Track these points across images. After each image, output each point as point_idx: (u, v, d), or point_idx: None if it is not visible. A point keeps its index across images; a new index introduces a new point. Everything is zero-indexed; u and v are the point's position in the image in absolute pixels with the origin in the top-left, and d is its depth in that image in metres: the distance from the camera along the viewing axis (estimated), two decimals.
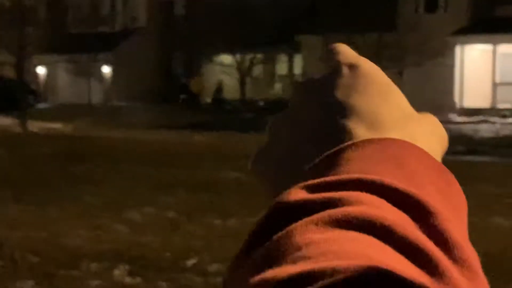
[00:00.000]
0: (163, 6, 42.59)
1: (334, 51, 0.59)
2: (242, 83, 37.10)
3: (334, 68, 0.58)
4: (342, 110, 0.54)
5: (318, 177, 0.47)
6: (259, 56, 37.69)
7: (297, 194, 0.46)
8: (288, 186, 0.47)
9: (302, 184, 0.46)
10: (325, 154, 0.50)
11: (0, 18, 32.77)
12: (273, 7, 37.00)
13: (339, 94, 0.55)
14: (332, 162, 0.49)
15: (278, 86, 38.90)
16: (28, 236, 8.09)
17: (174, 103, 37.29)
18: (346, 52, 0.59)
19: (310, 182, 0.46)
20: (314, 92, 0.57)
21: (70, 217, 9.22)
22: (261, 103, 35.29)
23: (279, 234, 0.43)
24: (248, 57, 37.47)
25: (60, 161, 15.23)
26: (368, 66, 0.58)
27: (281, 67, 39.10)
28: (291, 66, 38.38)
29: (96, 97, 41.24)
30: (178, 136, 23.27)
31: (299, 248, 0.41)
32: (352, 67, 0.57)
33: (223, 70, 37.76)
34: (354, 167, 0.48)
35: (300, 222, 0.43)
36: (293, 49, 36.63)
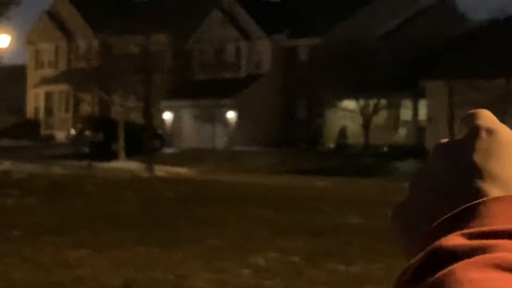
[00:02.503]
0: (286, 52, 42.95)
1: (475, 115, 0.61)
2: (365, 128, 36.93)
3: (472, 131, 0.60)
4: (478, 173, 0.56)
5: (459, 229, 0.50)
6: (383, 101, 37.46)
7: (454, 239, 0.49)
8: (426, 236, 0.51)
9: (458, 232, 0.50)
10: (465, 206, 0.52)
11: (128, 64, 33.76)
12: (394, 52, 36.80)
13: (476, 157, 0.57)
14: (474, 214, 0.52)
15: (402, 132, 38.51)
16: (155, 277, 8.22)
17: (295, 148, 37.39)
18: (486, 116, 0.61)
19: (466, 230, 0.50)
20: (451, 153, 0.59)
21: (194, 259, 9.32)
22: (385, 149, 35.00)
23: (442, 272, 0.47)
24: (372, 102, 37.30)
25: (184, 204, 15.47)
26: (506, 132, 0.60)
27: (405, 112, 38.71)
28: (415, 111, 37.96)
29: (220, 142, 41.82)
30: (300, 181, 23.30)
31: (461, 285, 0.45)
32: (490, 132, 0.59)
33: (346, 115, 37.70)
34: (500, 218, 0.51)
35: (461, 263, 0.47)
36: (416, 94, 36.26)
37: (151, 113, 34.77)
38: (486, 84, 27.36)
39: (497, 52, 28.63)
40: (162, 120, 45.64)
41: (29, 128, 46.08)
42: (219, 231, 11.73)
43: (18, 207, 14.58)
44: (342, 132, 38.66)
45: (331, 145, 38.42)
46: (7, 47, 38.62)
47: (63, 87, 46.88)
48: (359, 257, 9.43)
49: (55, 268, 8.82)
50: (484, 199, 0.53)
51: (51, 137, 44.91)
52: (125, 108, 35.19)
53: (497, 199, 0.53)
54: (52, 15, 50.07)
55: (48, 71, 49.28)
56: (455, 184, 0.57)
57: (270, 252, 9.82)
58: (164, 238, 10.94)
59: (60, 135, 43.51)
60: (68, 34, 49.13)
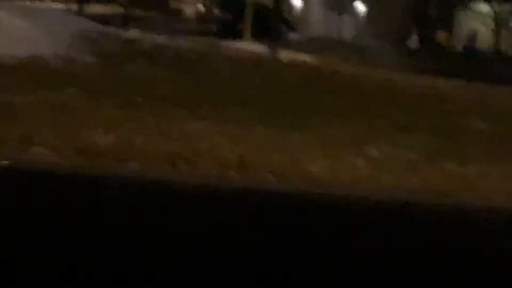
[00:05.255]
0: None
1: None
2: (497, 34, 35.77)
3: None
4: None
5: None
6: None
7: None
8: None
9: None
10: None
11: None
12: None
13: None
14: None
15: None
16: (270, 158, 8.32)
17: (423, 48, 36.61)
18: None
19: None
20: None
21: (312, 145, 9.38)
22: None
23: None
24: (507, 7, 35.98)
25: (306, 91, 15.48)
26: None
27: None
28: None
29: (346, 33, 41.32)
30: (425, 81, 22.94)
31: None
32: None
33: (478, 19, 36.55)
34: None
35: None
36: None
37: None
38: None
39: None
40: (291, 5, 45.32)
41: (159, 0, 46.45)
42: (339, 121, 11.72)
43: (144, 76, 14.86)
44: (473, 37, 37.57)
45: (458, 49, 37.46)
46: None
47: None
48: (477, 160, 9.30)
49: (174, 138, 9.02)
50: None
51: (179, 11, 45.24)
52: None
53: None
54: None
55: None
56: None
57: (387, 146, 9.78)
58: (284, 121, 11.02)
59: (189, 10, 43.78)
60: None
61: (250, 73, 17.37)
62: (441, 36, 35.57)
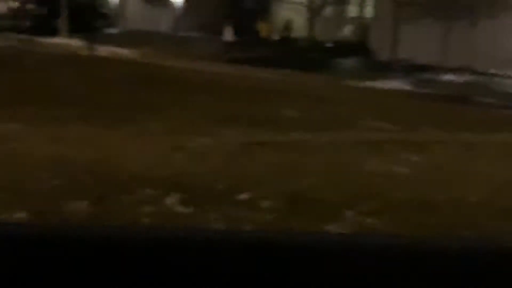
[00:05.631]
0: None
1: None
2: (310, 23, 36.73)
3: None
4: None
5: None
6: None
7: None
8: None
9: None
10: None
11: None
12: None
13: None
14: None
15: (347, 28, 38.46)
16: (88, 156, 8.23)
17: (240, 38, 37.10)
18: None
19: None
20: None
21: (130, 141, 9.35)
22: (329, 44, 34.94)
23: None
24: None
25: (125, 86, 15.39)
26: None
27: (352, 9, 38.58)
28: (362, 8, 37.86)
29: (166, 26, 41.29)
30: (243, 71, 23.29)
31: None
32: None
33: (292, 7, 37.39)
34: None
35: None
36: None
37: None
38: None
39: None
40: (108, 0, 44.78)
41: None
42: (158, 115, 11.73)
43: None
44: (288, 25, 38.41)
45: (276, 37, 38.21)
46: None
47: None
48: (292, 150, 9.56)
49: None
50: None
51: None
52: None
53: None
54: None
55: None
56: None
57: (205, 138, 9.88)
58: (102, 118, 10.93)
59: (1, 6, 42.41)
60: None
61: (67, 70, 17.06)
62: (262, 27, 35.99)
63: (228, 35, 30.99)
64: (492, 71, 27.90)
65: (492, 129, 13.23)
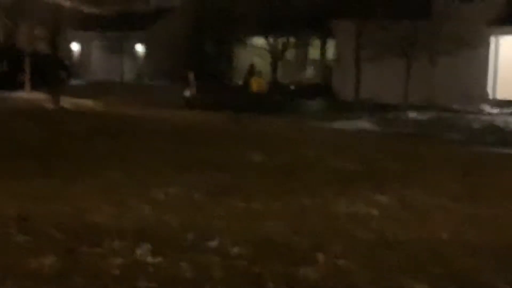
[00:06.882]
0: None
1: None
2: (274, 66, 36.93)
3: None
4: None
5: None
6: (292, 39, 37.44)
7: None
8: None
9: None
10: None
11: None
12: None
13: None
14: None
15: (309, 71, 38.73)
16: (52, 210, 8.14)
17: (204, 84, 37.15)
18: None
19: None
20: None
21: (95, 193, 9.27)
22: (292, 87, 35.12)
23: None
24: (281, 40, 37.24)
25: (88, 137, 15.32)
26: None
27: (314, 52, 38.88)
28: (324, 50, 38.16)
29: (129, 75, 41.33)
30: (207, 116, 23.31)
31: None
32: None
33: (255, 52, 37.59)
34: None
35: None
36: (326, 33, 36.39)
37: (58, 43, 33.97)
38: (394, 25, 27.58)
39: None
40: (70, 51, 44.77)
41: None
42: (122, 165, 11.67)
43: None
44: (251, 70, 38.56)
45: (239, 81, 38.33)
46: None
47: None
48: (259, 194, 9.53)
49: None
50: None
51: None
52: (31, 37, 34.28)
53: None
54: None
55: None
56: None
57: (171, 187, 9.82)
58: (65, 171, 10.85)
59: None
60: None
61: (29, 124, 16.96)
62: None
63: (191, 81, 31.07)
64: (455, 106, 28.18)
65: (457, 166, 13.32)
